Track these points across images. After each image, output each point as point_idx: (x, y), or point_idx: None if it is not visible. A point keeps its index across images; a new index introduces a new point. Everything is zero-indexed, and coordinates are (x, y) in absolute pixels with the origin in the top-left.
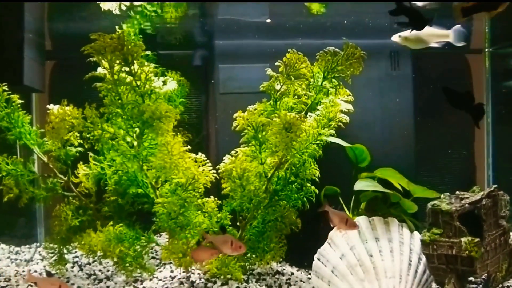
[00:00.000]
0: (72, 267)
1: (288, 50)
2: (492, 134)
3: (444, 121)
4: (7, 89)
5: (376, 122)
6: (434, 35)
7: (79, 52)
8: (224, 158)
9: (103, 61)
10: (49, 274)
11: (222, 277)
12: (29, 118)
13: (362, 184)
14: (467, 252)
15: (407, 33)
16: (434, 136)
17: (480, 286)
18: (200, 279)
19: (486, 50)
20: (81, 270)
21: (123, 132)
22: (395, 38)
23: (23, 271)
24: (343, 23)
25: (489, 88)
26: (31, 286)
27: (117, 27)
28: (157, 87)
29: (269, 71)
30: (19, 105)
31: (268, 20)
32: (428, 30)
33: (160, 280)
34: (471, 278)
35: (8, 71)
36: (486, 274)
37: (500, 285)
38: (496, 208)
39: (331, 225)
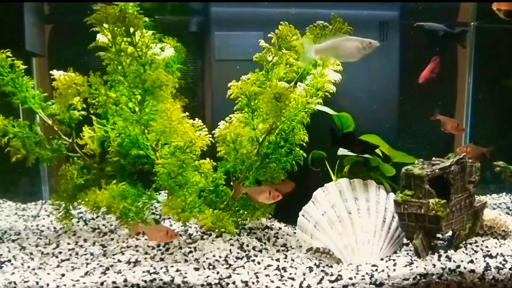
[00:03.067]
0: (78, 221)
1: (281, 22)
2: (472, 107)
3: (427, 93)
4: (10, 55)
5: (363, 91)
6: None
7: (76, 15)
8: (219, 123)
9: (105, 31)
10: (156, 221)
11: (216, 230)
12: (32, 83)
13: (345, 150)
14: (434, 211)
15: None
16: (417, 107)
17: (446, 242)
18: (196, 232)
19: (472, 24)
20: (86, 224)
21: (125, 98)
22: None
23: (31, 226)
24: None
25: (471, 62)
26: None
27: None
28: (156, 53)
29: (262, 43)
30: (22, 70)
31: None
32: None
33: None
34: (439, 235)
35: (10, 36)
36: (451, 232)
37: (464, 242)
38: (464, 173)
39: (443, 130)
